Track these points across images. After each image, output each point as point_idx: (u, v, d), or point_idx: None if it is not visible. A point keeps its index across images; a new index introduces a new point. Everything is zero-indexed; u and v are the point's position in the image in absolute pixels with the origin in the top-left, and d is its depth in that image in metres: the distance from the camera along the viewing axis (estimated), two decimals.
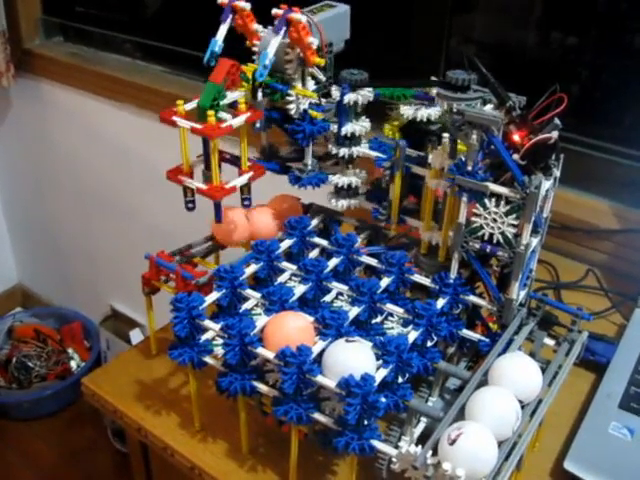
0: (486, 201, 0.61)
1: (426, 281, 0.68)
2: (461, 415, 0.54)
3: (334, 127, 0.74)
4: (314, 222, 0.77)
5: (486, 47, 1.15)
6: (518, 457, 0.54)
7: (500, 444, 0.52)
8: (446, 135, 0.66)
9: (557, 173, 0.63)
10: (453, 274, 0.66)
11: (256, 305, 0.65)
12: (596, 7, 1.00)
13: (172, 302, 0.60)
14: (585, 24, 1.01)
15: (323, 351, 0.57)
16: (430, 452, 0.50)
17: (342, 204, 0.77)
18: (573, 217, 0.97)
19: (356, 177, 0.76)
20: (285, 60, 0.69)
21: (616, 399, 0.72)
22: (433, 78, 0.70)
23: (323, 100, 0.73)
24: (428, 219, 0.70)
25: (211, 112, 0.65)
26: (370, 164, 0.75)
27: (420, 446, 0.51)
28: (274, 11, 0.68)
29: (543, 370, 0.59)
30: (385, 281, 0.67)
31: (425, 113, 0.70)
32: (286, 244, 0.72)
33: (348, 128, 0.73)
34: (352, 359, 0.55)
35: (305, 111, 0.72)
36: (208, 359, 0.62)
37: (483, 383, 0.58)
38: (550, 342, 0.65)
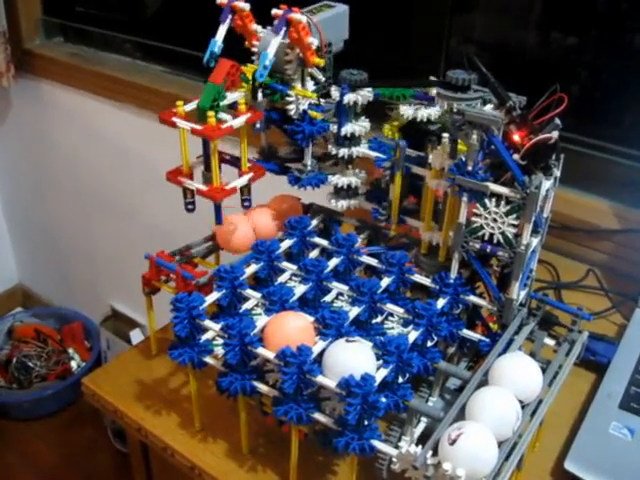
0: (486, 201, 0.61)
1: (426, 281, 0.68)
2: (461, 415, 0.54)
3: (333, 127, 0.74)
4: (314, 222, 0.77)
5: (486, 47, 1.15)
6: (518, 457, 0.54)
7: (500, 444, 0.52)
8: (446, 135, 0.66)
9: (557, 173, 0.63)
10: (453, 274, 0.66)
11: (256, 305, 0.65)
12: (596, 7, 1.00)
13: (172, 302, 0.60)
14: (585, 24, 1.01)
15: (323, 351, 0.57)
16: (430, 452, 0.50)
17: (342, 204, 0.77)
18: (573, 217, 0.97)
19: (356, 177, 0.76)
20: (285, 60, 0.69)
21: (616, 399, 0.71)
22: (432, 78, 0.70)
23: (322, 100, 0.73)
24: (428, 219, 0.70)
25: (211, 113, 0.65)
26: (369, 164, 0.75)
27: (420, 446, 0.51)
28: (274, 11, 0.68)
29: (543, 370, 0.59)
30: (385, 281, 0.67)
31: (425, 113, 0.70)
32: (286, 244, 0.72)
33: (348, 128, 0.73)
34: (352, 359, 0.55)
35: (304, 111, 0.72)
36: (208, 359, 0.62)
37: (483, 383, 0.58)
38: (550, 342, 0.65)
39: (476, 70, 0.64)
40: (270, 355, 0.57)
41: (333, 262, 0.69)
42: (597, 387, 0.73)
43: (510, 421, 0.53)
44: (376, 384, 0.53)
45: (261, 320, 0.61)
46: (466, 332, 0.66)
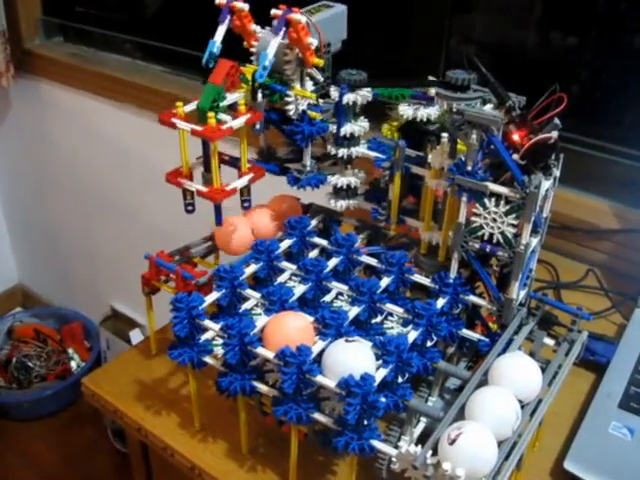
0: (486, 201, 0.61)
1: (426, 281, 0.68)
2: (461, 415, 0.54)
3: (332, 128, 0.74)
4: (314, 222, 0.77)
5: (486, 47, 1.15)
6: (518, 457, 0.54)
7: (500, 444, 0.52)
8: (445, 135, 0.66)
9: (557, 173, 0.63)
10: (453, 274, 0.66)
11: (256, 305, 0.65)
12: (596, 7, 1.00)
13: (172, 302, 0.60)
14: (585, 24, 1.01)
15: (323, 351, 0.57)
16: (430, 452, 0.50)
17: (341, 204, 0.77)
18: (573, 217, 0.97)
19: (355, 177, 0.76)
20: (284, 61, 0.69)
21: (616, 399, 0.72)
22: (431, 78, 0.70)
23: (320, 101, 0.73)
24: (428, 219, 0.70)
25: (211, 114, 0.64)
26: (368, 164, 0.75)
27: (420, 446, 0.51)
28: (273, 11, 0.68)
29: (543, 370, 0.59)
30: (385, 281, 0.67)
31: (425, 113, 0.70)
32: (286, 244, 0.72)
33: (347, 128, 0.73)
34: (352, 359, 0.55)
35: (304, 112, 0.72)
36: (208, 359, 0.62)
37: (483, 383, 0.58)
38: (550, 342, 0.65)
39: (476, 70, 0.64)
40: (270, 355, 0.57)
41: (333, 262, 0.69)
42: (597, 387, 0.73)
43: (510, 421, 0.53)
44: (376, 384, 0.53)
45: (261, 320, 0.61)
46: (466, 332, 0.66)
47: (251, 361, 0.60)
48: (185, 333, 0.61)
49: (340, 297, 0.67)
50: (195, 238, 0.79)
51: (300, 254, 0.74)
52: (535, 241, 0.63)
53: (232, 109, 0.69)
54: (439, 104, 0.68)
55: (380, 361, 0.57)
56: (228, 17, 0.71)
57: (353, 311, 0.63)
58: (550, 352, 0.64)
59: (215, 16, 0.72)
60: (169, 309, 0.61)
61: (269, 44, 0.68)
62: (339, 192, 0.77)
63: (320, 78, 0.73)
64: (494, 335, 0.65)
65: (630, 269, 0.93)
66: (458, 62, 0.65)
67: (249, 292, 0.65)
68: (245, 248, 0.75)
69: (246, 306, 0.65)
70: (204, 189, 0.68)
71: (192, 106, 0.68)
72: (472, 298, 0.66)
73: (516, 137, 0.59)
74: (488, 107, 0.63)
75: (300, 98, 0.71)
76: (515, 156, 0.59)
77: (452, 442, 0.49)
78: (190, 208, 0.72)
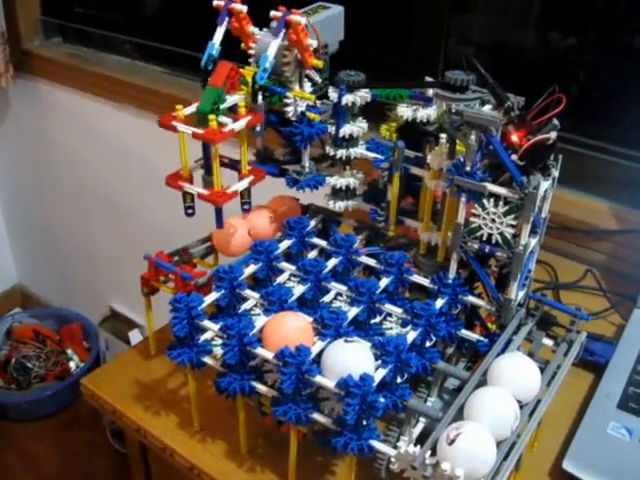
0: (485, 201, 0.61)
1: (425, 281, 0.68)
2: (460, 415, 0.54)
3: (331, 129, 0.74)
4: (313, 222, 0.77)
5: (485, 47, 1.15)
6: (517, 457, 0.54)
7: (499, 444, 0.52)
8: (443, 135, 0.66)
9: (555, 173, 0.63)
10: (452, 274, 0.66)
11: (255, 305, 0.65)
12: (594, 7, 1.00)
13: (171, 302, 0.60)
14: (583, 24, 1.01)
15: (322, 351, 0.57)
16: (429, 452, 0.50)
17: (340, 205, 0.77)
18: (572, 217, 0.97)
19: (354, 178, 0.76)
20: (283, 62, 0.69)
21: (615, 399, 0.72)
22: (428, 78, 0.70)
23: (318, 102, 0.72)
24: (427, 219, 0.70)
25: (212, 116, 0.64)
26: (367, 165, 0.75)
27: (419, 446, 0.51)
28: (273, 13, 0.68)
29: (542, 370, 0.59)
30: (384, 281, 0.67)
31: (425, 114, 0.70)
32: (285, 244, 0.72)
33: (346, 129, 0.73)
34: (351, 359, 0.55)
35: (302, 113, 0.72)
36: (207, 359, 0.62)
37: (482, 383, 0.58)
38: (549, 342, 0.65)
39: (474, 71, 0.64)
40: (269, 355, 0.57)
41: (332, 262, 0.69)
42: (595, 387, 0.73)
43: (508, 421, 0.53)
44: (375, 384, 0.53)
45: (260, 320, 0.61)
46: (464, 332, 0.66)
47: (250, 361, 0.60)
48: (184, 333, 0.61)
49: (339, 297, 0.67)
50: (194, 238, 0.79)
51: (299, 254, 0.74)
52: (534, 241, 0.63)
53: (232, 111, 0.69)
54: (438, 105, 0.68)
55: (379, 361, 0.57)
56: (226, 19, 0.71)
57: (352, 311, 0.63)
58: (549, 352, 0.64)
59: (214, 16, 0.72)
60: (168, 309, 0.61)
61: (268, 46, 0.68)
62: (338, 193, 0.77)
63: (318, 79, 0.73)
64: (493, 335, 0.65)
65: (629, 270, 0.93)
66: (457, 63, 0.65)
67: (248, 292, 0.65)
68: (244, 249, 0.75)
69: (245, 306, 0.65)
70: (205, 192, 0.67)
71: (192, 109, 0.68)
72: (471, 298, 0.66)
73: (515, 138, 0.59)
74: (487, 108, 0.63)
75: (299, 99, 0.71)
76: (514, 157, 0.59)
77: (451, 442, 0.49)
78: (190, 211, 0.71)
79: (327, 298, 0.67)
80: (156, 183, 0.84)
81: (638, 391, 0.73)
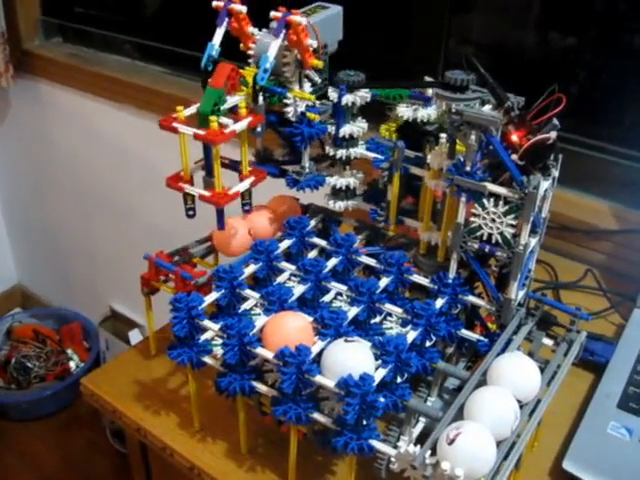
0: (485, 201, 0.61)
1: (425, 281, 0.68)
2: (460, 415, 0.54)
3: (331, 129, 0.74)
4: (313, 222, 0.77)
5: (485, 47, 1.15)
6: (517, 457, 0.54)
7: (499, 444, 0.52)
8: (443, 135, 0.67)
9: (555, 173, 0.63)
10: (452, 274, 0.66)
11: (255, 305, 0.66)
12: (594, 7, 1.00)
13: (171, 302, 0.60)
14: (583, 24, 1.01)
15: (322, 351, 0.57)
16: (429, 452, 0.50)
17: (340, 205, 0.77)
18: (572, 217, 0.97)
19: (354, 178, 0.76)
20: (283, 63, 0.69)
21: (615, 399, 0.72)
22: (427, 78, 0.70)
23: (317, 102, 0.72)
24: (427, 219, 0.70)
25: (213, 118, 0.64)
26: (367, 165, 0.75)
27: (419, 446, 0.51)
28: (273, 14, 0.68)
29: (542, 370, 0.59)
30: (384, 281, 0.67)
31: (425, 114, 0.70)
32: (285, 244, 0.72)
33: (346, 129, 0.73)
34: (351, 359, 0.55)
35: (302, 114, 0.72)
36: (207, 359, 0.62)
37: (482, 383, 0.58)
38: (549, 342, 0.65)
39: (474, 70, 0.64)
40: (269, 355, 0.57)
41: (332, 262, 0.69)
42: (595, 387, 0.74)
43: (508, 421, 0.53)
44: (375, 384, 0.53)
45: (260, 320, 0.61)
46: (465, 332, 0.66)
47: (250, 361, 0.60)
48: (184, 333, 0.61)
49: (339, 297, 0.67)
50: (194, 238, 0.79)
51: (299, 254, 0.74)
52: (534, 241, 0.63)
53: (232, 112, 0.69)
54: (438, 105, 0.68)
55: (379, 361, 0.57)
56: (226, 20, 0.71)
57: (352, 311, 0.63)
58: (549, 352, 0.64)
59: (214, 16, 0.72)
60: (168, 309, 0.61)
61: (268, 46, 0.68)
62: (338, 193, 0.77)
63: (317, 80, 0.73)
64: (493, 335, 0.65)
65: (629, 269, 0.93)
66: (457, 63, 0.65)
67: (248, 292, 0.65)
68: (244, 249, 0.75)
69: (245, 306, 0.65)
70: (207, 194, 0.67)
71: (192, 110, 0.68)
72: (471, 298, 0.66)
73: (515, 137, 0.59)
74: (487, 108, 0.63)
75: (299, 100, 0.71)
76: (514, 156, 0.59)
77: (451, 442, 0.49)
78: (191, 213, 0.71)
79: (327, 298, 0.67)
80: (156, 183, 0.84)
81: (638, 391, 0.73)
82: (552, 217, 0.68)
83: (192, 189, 0.68)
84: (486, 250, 0.63)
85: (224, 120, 0.66)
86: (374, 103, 0.74)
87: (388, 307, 0.64)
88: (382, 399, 0.56)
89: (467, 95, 0.63)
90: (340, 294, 0.67)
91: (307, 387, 0.56)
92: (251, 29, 0.71)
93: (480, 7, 1.12)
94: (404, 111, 0.72)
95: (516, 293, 0.63)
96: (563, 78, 1.04)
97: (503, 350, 0.61)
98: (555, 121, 0.59)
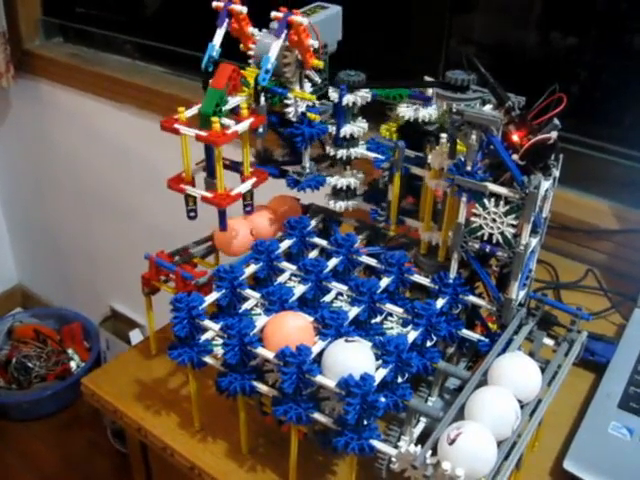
0: (485, 201, 0.61)
1: (425, 281, 0.68)
2: (460, 415, 0.54)
3: (331, 129, 0.74)
4: (313, 222, 0.77)
5: (485, 47, 1.15)
6: (517, 457, 0.54)
7: (499, 444, 0.52)
8: (444, 135, 0.66)
9: (556, 173, 0.63)
10: (452, 274, 0.66)
11: (256, 305, 0.66)
12: (595, 7, 1.00)
13: (172, 302, 0.60)
14: (585, 24, 1.01)
15: (323, 351, 0.57)
16: (429, 452, 0.50)
17: (340, 205, 0.77)
18: (573, 217, 0.97)
19: (354, 178, 0.76)
20: (283, 63, 0.69)
21: (615, 399, 0.72)
22: (427, 78, 0.70)
23: (317, 102, 0.72)
24: (428, 219, 0.70)
25: (215, 119, 0.64)
26: (367, 165, 0.75)
27: (420, 446, 0.51)
28: (273, 14, 0.68)
29: (542, 370, 0.59)
30: (385, 281, 0.67)
31: (426, 114, 0.70)
32: (286, 244, 0.72)
33: (347, 130, 0.73)
34: (352, 359, 0.55)
35: (303, 114, 0.72)
36: (208, 359, 0.62)
37: (482, 383, 0.58)
38: (549, 342, 0.65)
39: (475, 70, 0.64)
40: (269, 355, 0.57)
41: (332, 262, 0.69)
42: (596, 387, 0.73)
43: (509, 421, 0.53)
44: (375, 384, 0.53)
45: (260, 320, 0.61)
46: (465, 332, 0.66)
47: (251, 361, 0.60)
48: (185, 333, 0.61)
49: (340, 297, 0.67)
50: (195, 238, 0.79)
51: (300, 254, 0.74)
52: (535, 241, 0.63)
53: (233, 113, 0.69)
54: (438, 104, 0.68)
55: (380, 361, 0.57)
56: (226, 20, 0.71)
57: (353, 311, 0.63)
58: (550, 352, 0.64)
59: (214, 16, 0.72)
60: (169, 309, 0.61)
61: (269, 47, 0.68)
62: (338, 193, 0.77)
63: (318, 80, 0.73)
64: (494, 335, 0.65)
65: (630, 269, 0.93)
66: (458, 62, 0.65)
67: (249, 292, 0.65)
68: (245, 249, 0.74)
69: (246, 306, 0.65)
70: (209, 195, 0.67)
71: (193, 111, 0.68)
72: (472, 298, 0.66)
73: (515, 137, 0.59)
74: (487, 107, 0.63)
75: (299, 100, 0.71)
76: (514, 156, 0.59)
77: (452, 442, 0.49)
78: (192, 214, 0.70)
79: (328, 298, 0.67)
80: (157, 183, 0.84)
81: (639, 391, 0.73)
82: (553, 217, 0.68)
83: (194, 191, 0.68)
84: (487, 250, 0.63)
85: (226, 121, 0.66)
86: (374, 103, 0.74)
87: (389, 307, 0.64)
88: (383, 399, 0.56)
89: (468, 95, 0.63)
90: (341, 294, 0.67)
91: (308, 387, 0.56)
92: (251, 29, 0.71)
93: (481, 7, 1.12)
94: (405, 111, 0.72)
95: (517, 293, 0.63)
96: (564, 78, 1.04)
97: (504, 350, 0.61)
98: (556, 121, 0.59)
